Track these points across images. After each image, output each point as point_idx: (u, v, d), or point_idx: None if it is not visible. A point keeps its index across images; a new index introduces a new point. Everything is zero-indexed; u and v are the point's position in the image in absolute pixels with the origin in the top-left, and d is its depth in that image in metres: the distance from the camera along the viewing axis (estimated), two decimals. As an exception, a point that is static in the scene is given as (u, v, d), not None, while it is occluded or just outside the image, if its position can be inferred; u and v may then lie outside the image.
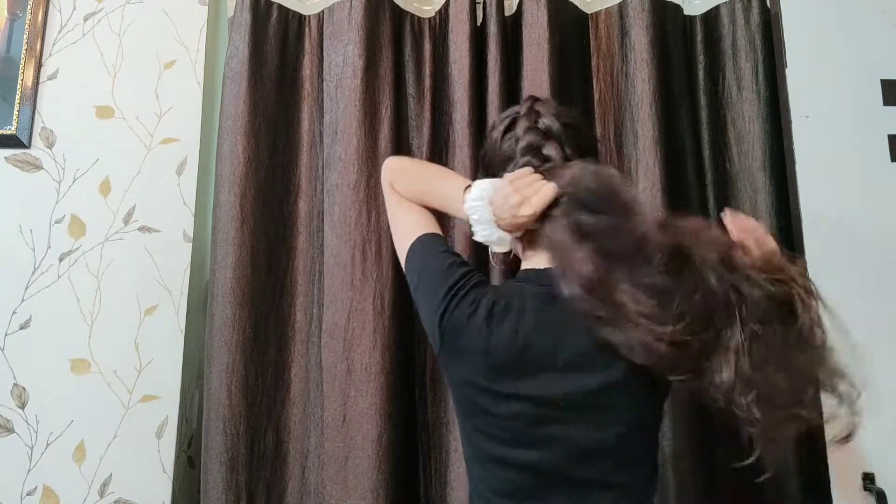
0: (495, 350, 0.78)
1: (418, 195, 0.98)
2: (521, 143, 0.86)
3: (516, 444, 0.79)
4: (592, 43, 1.47)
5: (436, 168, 1.14)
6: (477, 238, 0.89)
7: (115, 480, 1.24)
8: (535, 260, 0.86)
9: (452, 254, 0.90)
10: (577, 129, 0.89)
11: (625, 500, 0.76)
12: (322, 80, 1.39)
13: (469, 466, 0.87)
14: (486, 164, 0.94)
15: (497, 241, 0.88)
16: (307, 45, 1.43)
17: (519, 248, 0.92)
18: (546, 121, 0.87)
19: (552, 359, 0.77)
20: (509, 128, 0.90)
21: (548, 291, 0.79)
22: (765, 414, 0.66)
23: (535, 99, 0.92)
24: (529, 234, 0.86)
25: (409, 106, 1.42)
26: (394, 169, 1.05)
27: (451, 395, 0.92)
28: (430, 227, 0.95)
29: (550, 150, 0.85)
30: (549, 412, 0.77)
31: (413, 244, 0.92)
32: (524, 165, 0.85)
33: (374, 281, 1.27)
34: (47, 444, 1.23)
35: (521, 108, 0.91)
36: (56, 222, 1.32)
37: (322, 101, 1.39)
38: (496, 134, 0.92)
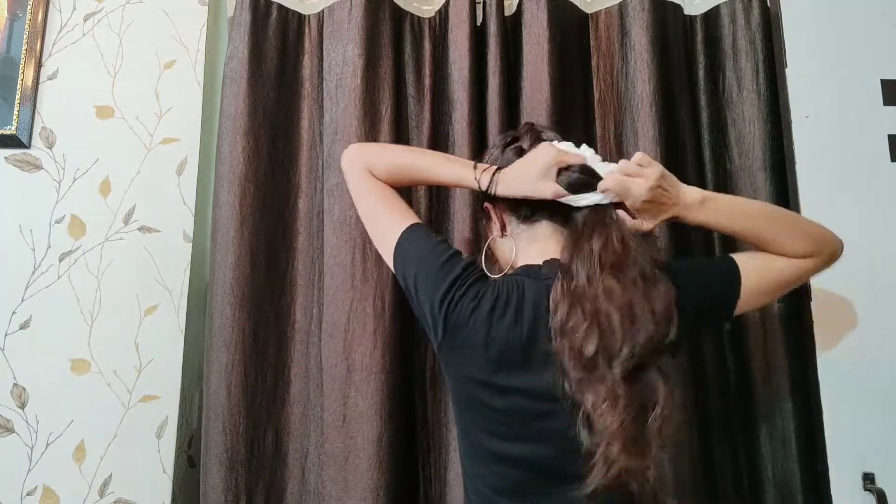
0: (495, 343, 0.79)
1: (408, 170, 0.93)
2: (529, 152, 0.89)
3: (513, 439, 0.79)
4: (592, 43, 1.46)
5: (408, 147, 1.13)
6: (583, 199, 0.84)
7: (115, 480, 1.24)
8: (531, 255, 0.87)
9: (447, 244, 0.89)
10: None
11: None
12: (322, 80, 1.39)
13: (466, 464, 0.87)
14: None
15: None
16: (307, 45, 1.43)
17: (507, 247, 0.91)
18: (550, 134, 0.90)
19: (547, 353, 0.77)
20: (511, 143, 0.93)
21: (546, 286, 0.80)
22: None
23: (532, 124, 0.95)
24: (528, 231, 0.88)
25: (409, 106, 1.42)
26: (365, 152, 0.98)
27: (451, 391, 0.92)
28: (414, 216, 0.93)
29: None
30: (544, 406, 0.77)
31: (403, 234, 0.89)
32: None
33: (374, 281, 1.26)
34: (47, 444, 1.23)
35: (521, 130, 0.95)
36: (56, 222, 1.32)
37: (322, 100, 1.39)
38: (496, 151, 0.94)
